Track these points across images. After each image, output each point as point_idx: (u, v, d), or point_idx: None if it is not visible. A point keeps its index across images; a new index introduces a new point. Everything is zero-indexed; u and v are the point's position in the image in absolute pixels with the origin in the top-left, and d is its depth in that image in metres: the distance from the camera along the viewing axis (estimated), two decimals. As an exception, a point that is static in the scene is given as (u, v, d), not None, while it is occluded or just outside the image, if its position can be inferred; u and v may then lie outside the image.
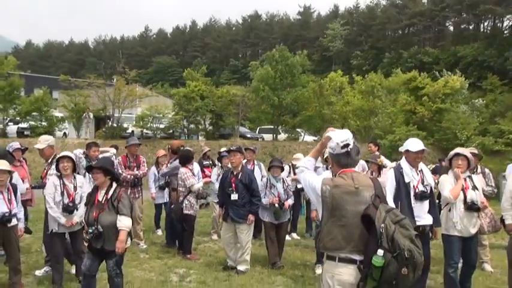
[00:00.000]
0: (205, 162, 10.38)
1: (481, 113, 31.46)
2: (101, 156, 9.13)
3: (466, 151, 5.96)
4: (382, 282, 2.89)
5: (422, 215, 5.36)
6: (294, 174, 9.38)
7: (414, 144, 5.41)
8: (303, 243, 9.21)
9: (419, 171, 5.44)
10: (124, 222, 4.94)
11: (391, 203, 4.95)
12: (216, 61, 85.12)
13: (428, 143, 20.37)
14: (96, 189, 5.16)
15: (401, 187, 5.28)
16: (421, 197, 5.32)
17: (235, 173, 7.03)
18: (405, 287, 2.92)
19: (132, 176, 8.25)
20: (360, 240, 3.06)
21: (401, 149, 5.58)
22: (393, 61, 58.95)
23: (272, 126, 32.57)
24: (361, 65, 61.98)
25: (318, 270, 6.71)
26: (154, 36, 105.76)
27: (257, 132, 34.20)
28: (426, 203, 5.39)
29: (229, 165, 7.48)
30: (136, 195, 8.38)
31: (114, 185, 5.13)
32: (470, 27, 68.36)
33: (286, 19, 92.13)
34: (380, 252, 2.85)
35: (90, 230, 4.92)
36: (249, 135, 32.04)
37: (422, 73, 29.07)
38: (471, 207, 5.63)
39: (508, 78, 48.64)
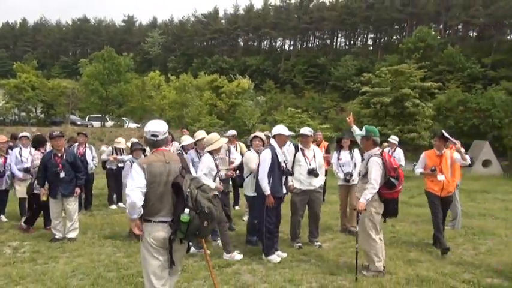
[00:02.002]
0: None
1: (262, 107, 34.36)
2: None
3: (261, 134, 6.45)
4: (188, 234, 3.00)
5: (282, 186, 5.40)
6: (117, 154, 8.94)
7: (285, 130, 5.41)
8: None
9: (283, 152, 5.43)
10: None
11: (265, 177, 5.15)
12: (47, 56, 75.49)
13: (226, 129, 21.40)
14: None
15: (275, 165, 5.20)
16: (285, 172, 5.36)
17: (59, 155, 6.36)
18: (206, 235, 3.25)
19: None
20: (172, 203, 3.11)
21: (274, 133, 5.44)
22: (200, 65, 59.72)
23: (100, 115, 30.59)
24: (175, 68, 61.53)
25: None
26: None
27: (87, 120, 31.66)
28: (284, 177, 5.41)
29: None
30: None
31: None
32: (255, 44, 73.67)
33: (112, 25, 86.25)
34: (187, 210, 2.94)
35: None
36: (79, 123, 29.70)
37: (221, 76, 30.28)
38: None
39: (279, 83, 54.16)
